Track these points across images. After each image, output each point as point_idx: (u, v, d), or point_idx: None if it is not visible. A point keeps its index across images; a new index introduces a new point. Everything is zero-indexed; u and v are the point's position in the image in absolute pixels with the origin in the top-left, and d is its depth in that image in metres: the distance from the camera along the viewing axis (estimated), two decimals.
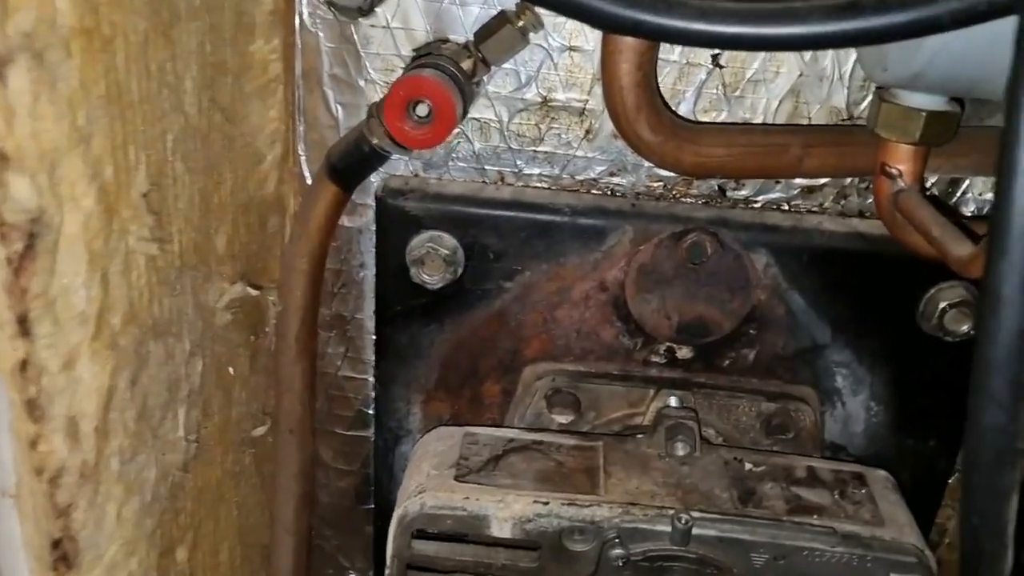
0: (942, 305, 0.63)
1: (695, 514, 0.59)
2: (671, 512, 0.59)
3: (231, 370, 0.61)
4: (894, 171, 0.52)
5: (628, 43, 0.51)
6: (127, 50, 0.43)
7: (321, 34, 0.63)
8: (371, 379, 0.74)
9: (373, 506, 0.79)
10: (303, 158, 0.67)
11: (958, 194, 0.64)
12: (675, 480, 0.63)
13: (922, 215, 0.49)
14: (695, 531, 0.59)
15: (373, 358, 0.73)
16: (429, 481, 0.62)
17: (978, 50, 0.42)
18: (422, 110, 0.56)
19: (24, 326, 0.38)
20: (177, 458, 0.52)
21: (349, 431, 0.77)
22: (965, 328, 0.63)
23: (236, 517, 0.66)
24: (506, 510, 0.60)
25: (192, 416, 0.54)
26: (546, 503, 0.60)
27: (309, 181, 0.68)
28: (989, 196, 0.64)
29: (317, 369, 0.74)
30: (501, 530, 0.60)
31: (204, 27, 0.51)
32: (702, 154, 0.55)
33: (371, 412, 0.75)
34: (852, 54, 0.59)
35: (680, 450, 0.64)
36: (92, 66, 0.40)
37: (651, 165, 0.64)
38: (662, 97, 0.59)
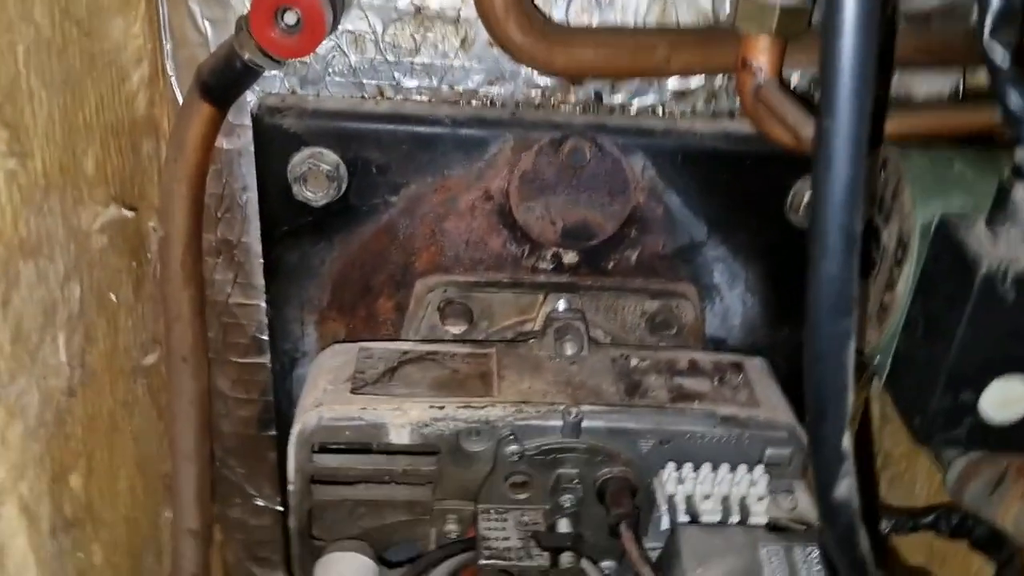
0: (808, 196, 0.67)
1: (584, 407, 0.62)
2: (561, 407, 0.62)
3: (113, 296, 0.60)
4: (755, 64, 0.54)
5: None
6: None
7: None
8: (263, 304, 0.73)
9: (275, 432, 0.79)
10: (173, 78, 0.65)
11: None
12: (565, 378, 0.65)
13: (783, 106, 0.51)
14: (585, 423, 0.62)
15: (263, 282, 0.72)
16: (325, 396, 0.63)
17: None
18: (290, 18, 0.55)
19: None
20: (61, 383, 0.52)
21: (245, 358, 0.77)
22: None
23: (133, 446, 0.65)
24: (403, 417, 0.61)
25: (74, 342, 0.53)
26: (442, 407, 0.62)
27: (181, 102, 0.66)
28: None
29: (207, 297, 0.73)
30: (399, 437, 0.61)
31: None
32: (573, 55, 0.57)
33: (266, 338, 0.75)
34: None
35: (568, 350, 0.66)
36: None
37: (529, 74, 0.65)
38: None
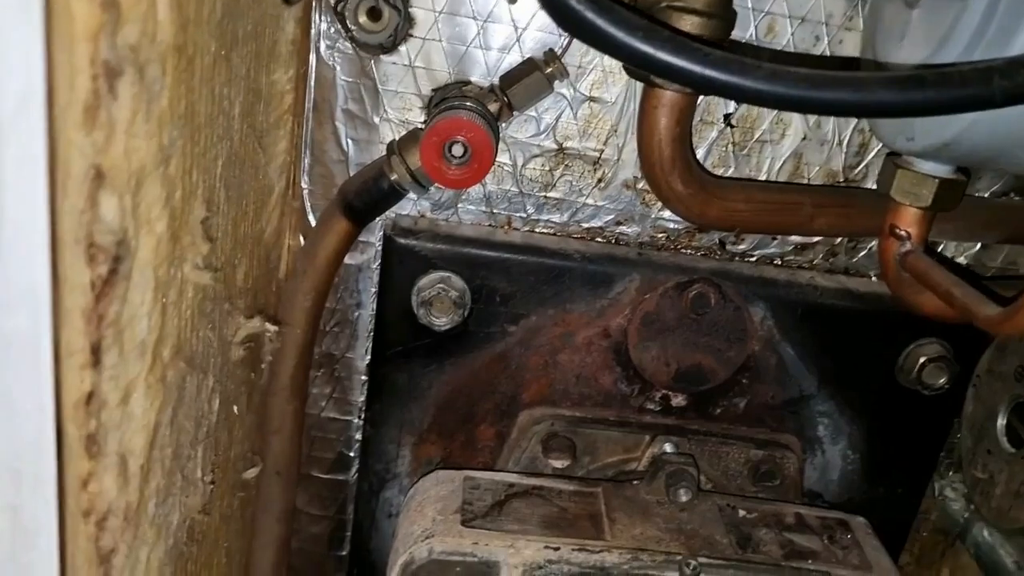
0: (921, 360, 0.67)
1: (701, 560, 0.60)
2: (679, 558, 0.60)
3: (236, 408, 0.58)
4: (903, 233, 0.56)
5: (670, 98, 0.53)
6: (201, 71, 0.41)
7: (338, 68, 0.62)
8: (356, 421, 0.72)
9: (346, 552, 0.76)
10: (306, 191, 0.66)
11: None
12: (676, 526, 0.64)
13: (936, 275, 0.52)
14: None
15: (360, 399, 0.71)
16: (435, 526, 0.61)
17: (1007, 125, 0.46)
18: (458, 150, 0.56)
19: (96, 355, 0.36)
20: (196, 501, 0.50)
21: (328, 474, 0.74)
22: (942, 381, 0.67)
23: (225, 565, 0.62)
24: (517, 556, 0.59)
25: (207, 456, 0.52)
26: (557, 549, 0.60)
27: (310, 215, 0.66)
28: (962, 260, 0.69)
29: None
30: None
31: (251, 53, 0.50)
32: (727, 208, 0.58)
33: (352, 455, 0.73)
34: (852, 121, 0.63)
35: (683, 496, 0.65)
36: (178, 85, 0.38)
37: (656, 216, 0.66)
38: (693, 151, 0.61)
